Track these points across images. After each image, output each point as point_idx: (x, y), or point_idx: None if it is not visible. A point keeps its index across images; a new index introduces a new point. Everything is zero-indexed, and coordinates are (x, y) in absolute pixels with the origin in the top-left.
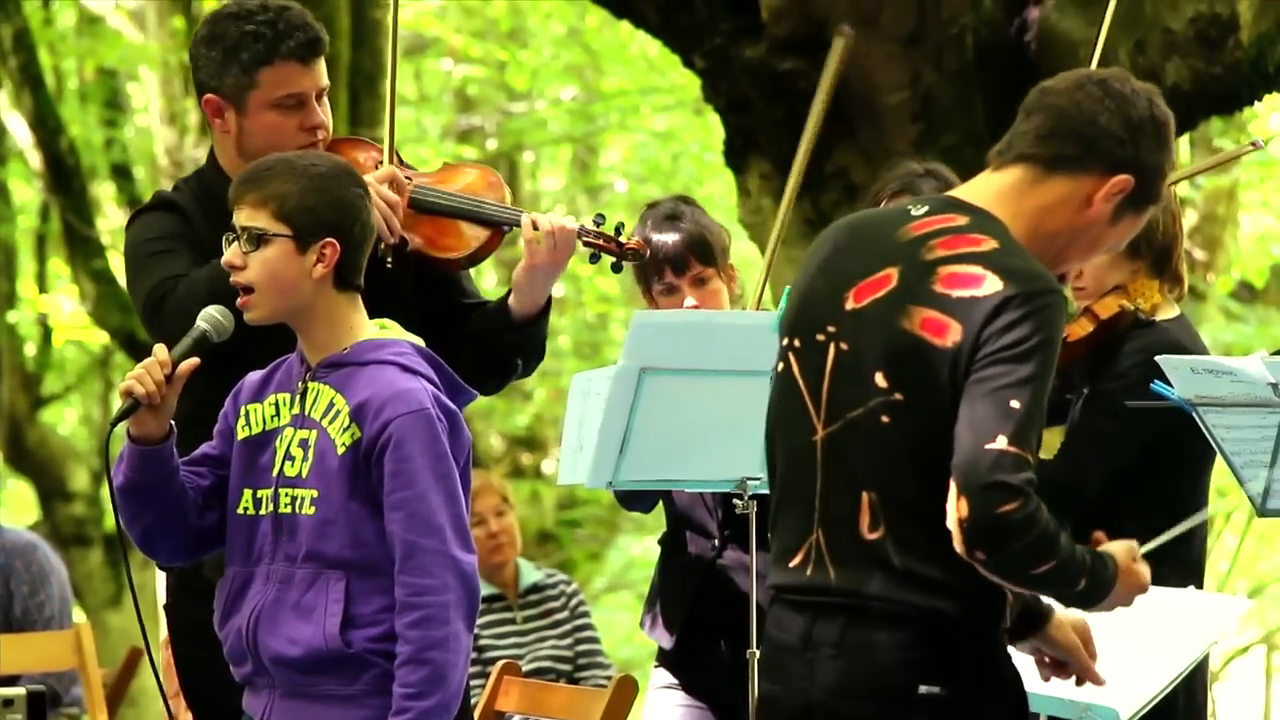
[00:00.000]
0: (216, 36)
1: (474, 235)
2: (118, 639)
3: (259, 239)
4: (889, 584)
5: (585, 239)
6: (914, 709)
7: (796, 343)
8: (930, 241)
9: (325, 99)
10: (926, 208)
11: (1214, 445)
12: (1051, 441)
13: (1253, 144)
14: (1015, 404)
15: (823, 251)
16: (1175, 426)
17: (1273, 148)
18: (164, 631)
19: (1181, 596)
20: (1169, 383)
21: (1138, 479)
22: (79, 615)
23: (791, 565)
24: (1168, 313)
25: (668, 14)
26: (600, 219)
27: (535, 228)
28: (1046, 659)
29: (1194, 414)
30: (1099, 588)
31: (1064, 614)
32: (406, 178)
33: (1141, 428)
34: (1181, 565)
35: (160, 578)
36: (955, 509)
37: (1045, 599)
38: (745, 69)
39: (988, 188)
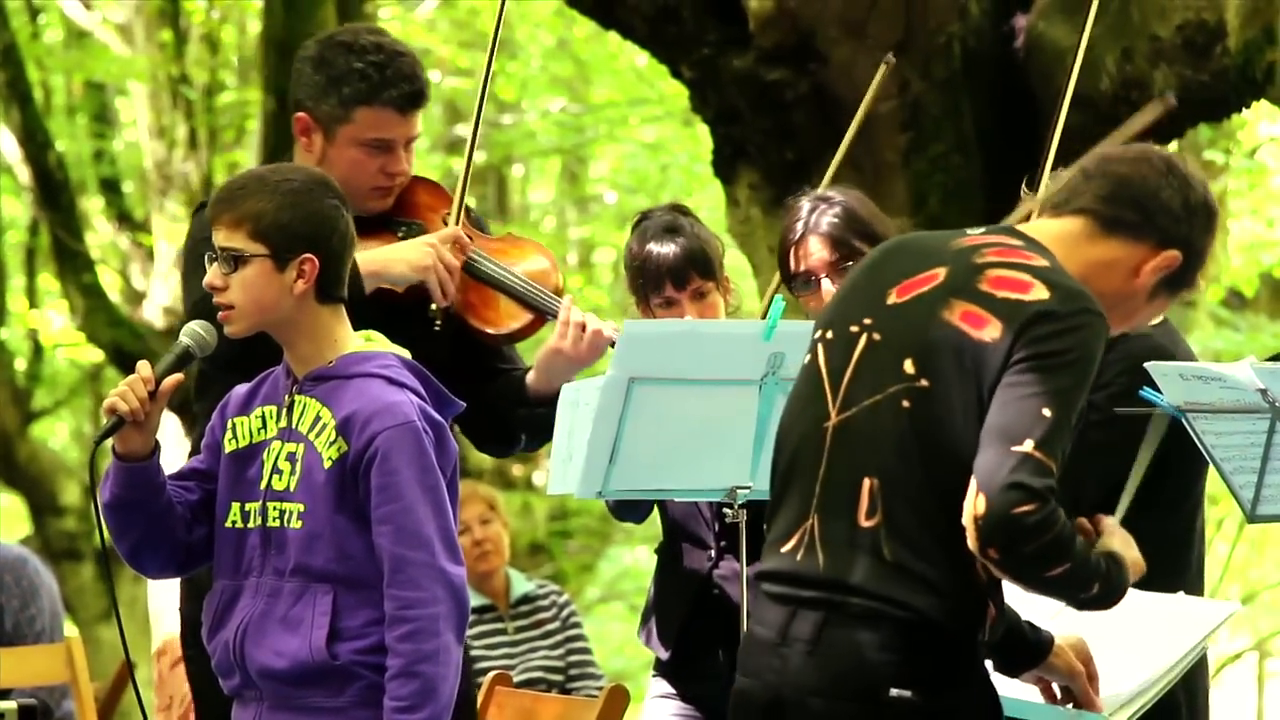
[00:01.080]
0: (324, 61)
1: (515, 315)
2: (109, 653)
3: (237, 260)
4: (875, 576)
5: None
6: (882, 711)
7: (829, 334)
8: (983, 249)
9: (412, 146)
10: (982, 230)
11: (1203, 452)
12: None
13: (1164, 99)
14: (1047, 412)
15: (870, 260)
16: (1167, 432)
17: (1261, 155)
18: (154, 645)
19: (1169, 601)
20: (1157, 389)
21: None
22: (70, 629)
23: (783, 550)
24: None
25: (655, 25)
26: None
27: (569, 319)
28: (1053, 688)
29: (1183, 420)
30: (1113, 591)
31: (1062, 638)
32: (469, 237)
33: (1133, 435)
34: (1182, 571)
35: (152, 591)
36: (973, 506)
37: (1042, 629)
38: (733, 79)
39: (1047, 229)
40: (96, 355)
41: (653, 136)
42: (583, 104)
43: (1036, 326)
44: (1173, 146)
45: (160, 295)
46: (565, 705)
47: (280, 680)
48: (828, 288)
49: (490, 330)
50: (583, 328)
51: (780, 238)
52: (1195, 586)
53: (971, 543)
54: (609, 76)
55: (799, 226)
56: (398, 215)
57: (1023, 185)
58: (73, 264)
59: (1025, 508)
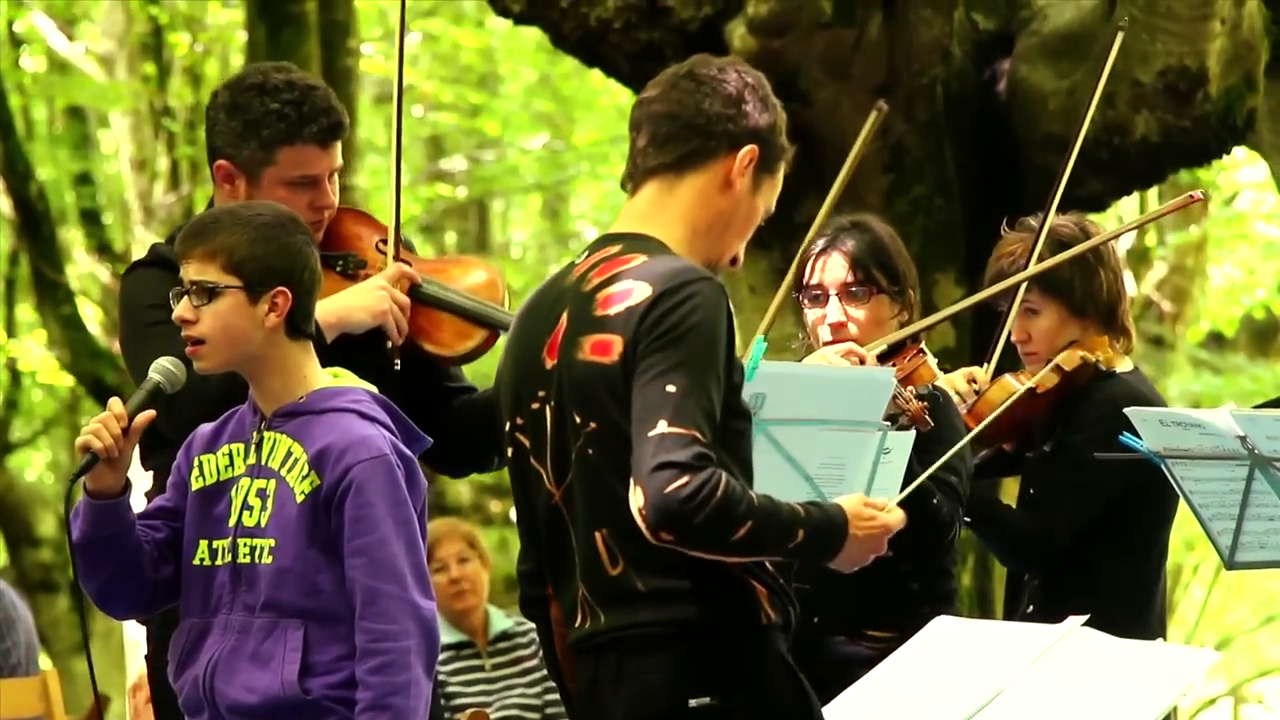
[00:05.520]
0: (239, 107)
1: (469, 334)
2: (83, 685)
3: (210, 292)
4: (644, 610)
5: None
6: None
7: (519, 421)
8: (588, 275)
9: (335, 177)
10: (586, 251)
11: (1183, 498)
12: (1009, 490)
13: (1191, 196)
14: (671, 388)
15: (514, 333)
16: (1140, 475)
17: (1240, 202)
18: (130, 679)
19: (1148, 649)
20: (1136, 434)
21: (1105, 528)
22: (45, 662)
23: (575, 625)
24: (1122, 366)
25: (638, 63)
26: None
27: None
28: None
29: (1163, 466)
30: (826, 536)
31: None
32: (407, 262)
33: (1108, 478)
34: (1149, 617)
35: (128, 625)
36: (634, 499)
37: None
38: None
39: (632, 212)
40: (69, 380)
41: None
42: (564, 140)
43: (645, 321)
44: (1153, 192)
45: (119, 326)
46: None
47: (251, 716)
48: (834, 307)
49: (447, 353)
50: None
51: (802, 248)
52: (1159, 631)
53: (646, 534)
54: (591, 113)
55: (823, 242)
56: (330, 249)
57: (1003, 226)
58: (52, 295)
59: (676, 483)
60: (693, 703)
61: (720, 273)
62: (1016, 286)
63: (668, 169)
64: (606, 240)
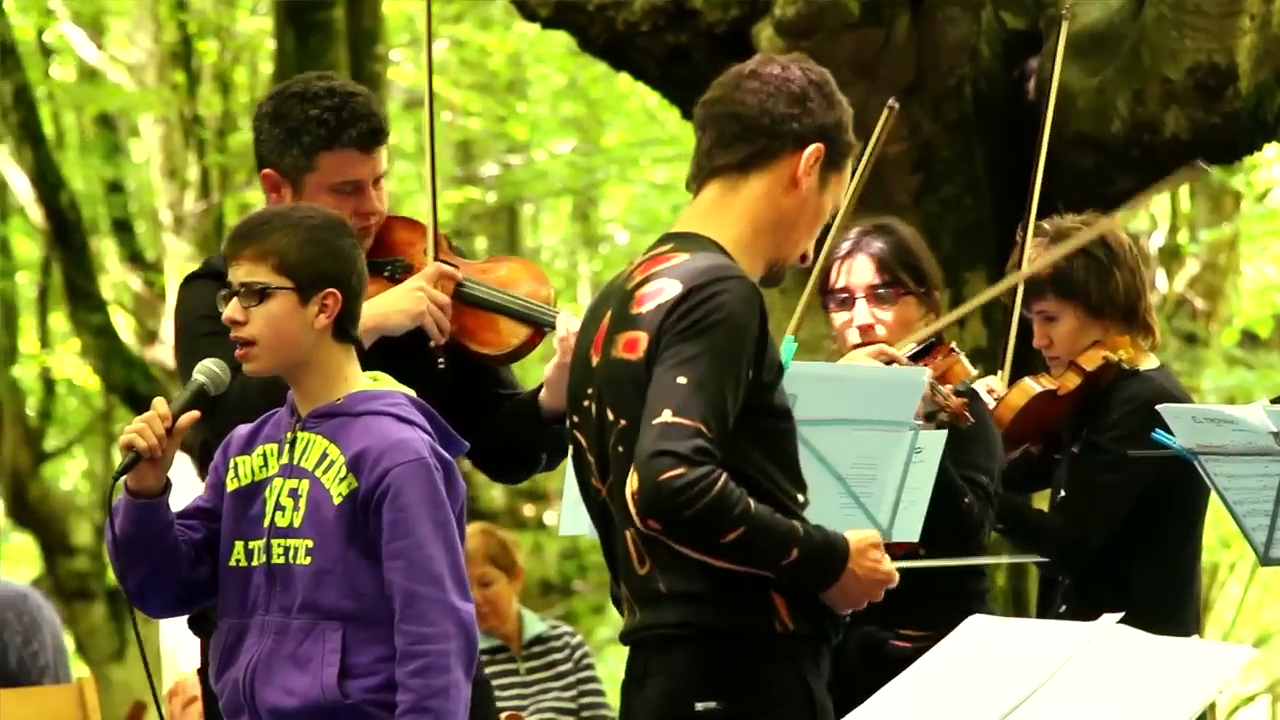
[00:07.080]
0: (280, 115)
1: (514, 333)
2: (120, 694)
3: (261, 294)
4: (666, 610)
5: None
6: None
7: (575, 419)
8: (633, 274)
9: (382, 184)
10: (645, 251)
11: (1217, 494)
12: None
13: (1198, 164)
14: (681, 380)
15: (579, 332)
16: (1170, 473)
17: (1273, 199)
18: (167, 684)
19: (1184, 646)
20: (1168, 431)
21: (1135, 527)
22: (81, 669)
23: (625, 621)
24: (1147, 363)
25: (667, 66)
26: None
27: (569, 329)
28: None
29: (1196, 463)
30: (823, 562)
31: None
32: (453, 265)
33: (1139, 476)
34: (1186, 615)
35: (164, 632)
36: (629, 484)
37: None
38: None
39: (695, 212)
40: (102, 389)
41: (663, 177)
42: (593, 144)
43: (669, 317)
44: (1185, 189)
45: (172, 336)
46: None
47: (291, 719)
48: (861, 310)
49: (493, 352)
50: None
51: (825, 250)
52: (1194, 628)
53: (636, 521)
54: (620, 117)
55: (847, 245)
56: (380, 255)
57: (1017, 230)
58: (85, 304)
59: (672, 472)
60: (699, 706)
61: (785, 273)
62: (1030, 287)
63: (732, 169)
64: (662, 240)
